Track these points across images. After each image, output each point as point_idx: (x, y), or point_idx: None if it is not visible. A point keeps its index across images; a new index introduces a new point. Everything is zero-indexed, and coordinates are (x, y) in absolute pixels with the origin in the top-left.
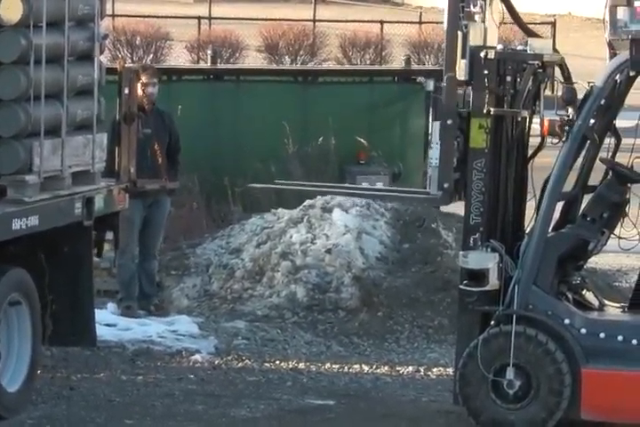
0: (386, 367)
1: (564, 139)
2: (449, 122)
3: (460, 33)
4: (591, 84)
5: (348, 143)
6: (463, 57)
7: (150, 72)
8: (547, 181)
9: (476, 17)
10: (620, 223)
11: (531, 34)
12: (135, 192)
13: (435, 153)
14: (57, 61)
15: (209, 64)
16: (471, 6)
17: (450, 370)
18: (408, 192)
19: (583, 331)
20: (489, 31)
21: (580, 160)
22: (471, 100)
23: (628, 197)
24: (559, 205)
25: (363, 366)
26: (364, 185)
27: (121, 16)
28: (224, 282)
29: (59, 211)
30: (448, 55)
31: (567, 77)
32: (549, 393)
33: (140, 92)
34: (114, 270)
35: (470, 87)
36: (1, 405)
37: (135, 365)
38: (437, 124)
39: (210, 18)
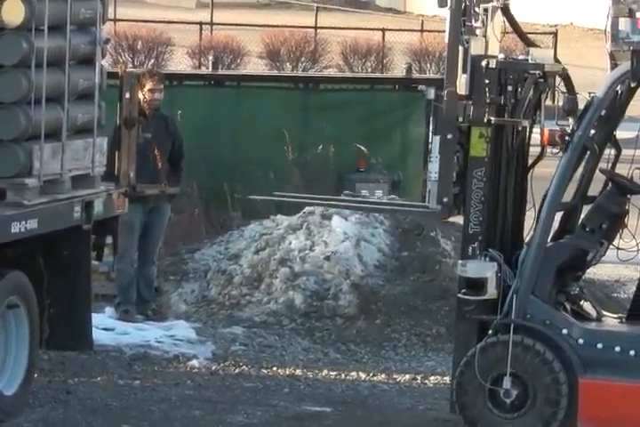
0: (383, 375)
1: (564, 149)
2: (449, 136)
3: (461, 47)
4: (592, 95)
5: (347, 151)
6: (464, 71)
7: (157, 78)
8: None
9: (478, 31)
10: (618, 234)
11: (533, 46)
12: (135, 197)
13: (434, 167)
14: (58, 65)
15: (210, 70)
16: (472, 21)
17: (447, 378)
18: (407, 205)
19: (581, 341)
20: (490, 44)
21: (579, 170)
22: (472, 109)
23: (627, 208)
24: (558, 215)
25: (360, 373)
26: (364, 193)
27: (123, 21)
28: (222, 288)
29: (58, 214)
30: (449, 70)
31: (571, 89)
32: (546, 403)
33: (143, 96)
34: (112, 275)
35: (471, 102)
36: None
37: (132, 369)
38: (437, 138)
39: (211, 24)
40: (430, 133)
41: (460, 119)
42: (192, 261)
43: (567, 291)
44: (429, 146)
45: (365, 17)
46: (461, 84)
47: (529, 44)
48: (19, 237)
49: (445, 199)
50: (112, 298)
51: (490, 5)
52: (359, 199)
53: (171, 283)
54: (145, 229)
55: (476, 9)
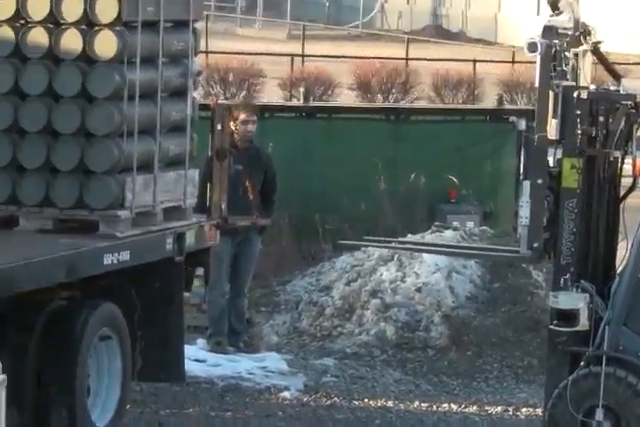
0: (474, 407)
1: None
2: (539, 181)
3: (551, 92)
4: None
5: (438, 181)
6: (554, 117)
7: (251, 109)
8: None
9: (568, 76)
10: None
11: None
12: (226, 229)
13: (525, 212)
14: (150, 97)
15: (301, 101)
16: (563, 65)
17: (539, 411)
18: (497, 250)
19: None
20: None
21: None
22: (564, 140)
23: None
24: None
25: (451, 405)
26: (455, 224)
27: (215, 53)
28: (314, 319)
29: (150, 246)
30: (539, 114)
31: None
32: None
33: (235, 128)
34: (204, 306)
35: (561, 146)
36: None
37: (224, 401)
38: (527, 183)
39: (303, 55)
40: (521, 165)
41: (551, 164)
42: (283, 292)
43: None
44: (520, 188)
45: (456, 48)
46: (552, 128)
47: (619, 78)
48: (111, 268)
49: (536, 244)
50: (204, 330)
51: (580, 49)
52: (449, 244)
53: (262, 314)
54: (235, 261)
55: (567, 53)
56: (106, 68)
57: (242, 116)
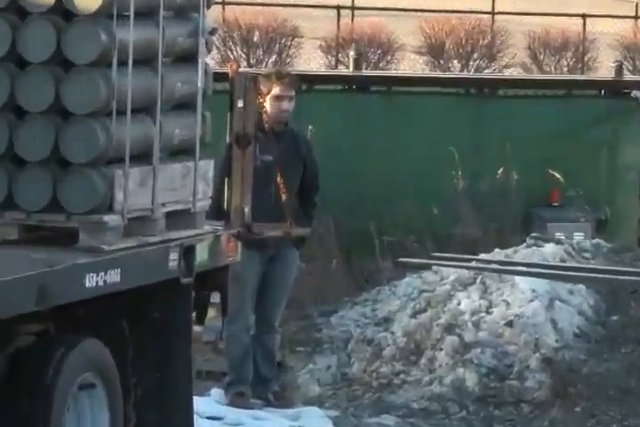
0: None
1: None
2: None
3: None
4: None
5: (536, 178)
6: None
7: (287, 81)
8: None
9: None
10: None
11: None
12: (250, 240)
13: None
14: (148, 64)
15: (351, 70)
16: None
17: None
18: (616, 272)
19: None
20: None
21: None
22: None
23: None
24: None
25: None
26: (558, 235)
27: (234, 4)
28: (368, 363)
29: (147, 263)
30: None
31: None
32: None
33: (263, 106)
34: (220, 345)
35: None
36: None
37: None
38: None
39: (352, 8)
40: None
41: None
42: (327, 326)
43: None
44: None
45: None
46: None
47: None
48: (96, 293)
49: None
50: (220, 376)
51: None
52: (549, 263)
53: (299, 356)
54: (264, 284)
55: None
56: (88, 23)
57: (275, 91)
